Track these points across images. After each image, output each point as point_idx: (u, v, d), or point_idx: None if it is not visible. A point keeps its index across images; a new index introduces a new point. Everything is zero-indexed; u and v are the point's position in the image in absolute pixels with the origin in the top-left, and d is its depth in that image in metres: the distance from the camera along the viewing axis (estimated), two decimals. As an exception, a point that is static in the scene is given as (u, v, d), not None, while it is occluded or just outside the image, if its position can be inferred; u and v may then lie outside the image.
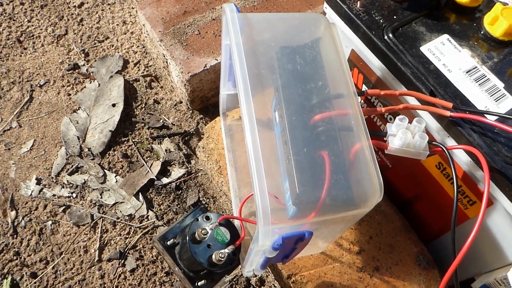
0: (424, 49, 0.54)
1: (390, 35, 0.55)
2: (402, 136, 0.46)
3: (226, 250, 0.54)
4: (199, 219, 0.57)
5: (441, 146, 0.47)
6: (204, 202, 0.81)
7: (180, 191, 0.82)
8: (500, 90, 0.52)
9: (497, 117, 0.49)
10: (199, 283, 0.56)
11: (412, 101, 0.53)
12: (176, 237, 0.58)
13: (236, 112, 0.74)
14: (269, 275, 0.73)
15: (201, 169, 0.84)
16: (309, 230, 0.43)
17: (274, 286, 0.72)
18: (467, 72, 0.53)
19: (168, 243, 0.58)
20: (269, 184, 0.42)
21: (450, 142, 0.52)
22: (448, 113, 0.48)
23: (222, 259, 0.54)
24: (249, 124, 0.42)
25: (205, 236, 0.55)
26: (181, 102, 0.91)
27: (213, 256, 0.54)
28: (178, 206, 0.81)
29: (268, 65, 0.48)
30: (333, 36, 0.51)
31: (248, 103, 0.43)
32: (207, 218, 0.57)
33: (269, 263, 0.49)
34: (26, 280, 0.74)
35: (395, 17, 0.56)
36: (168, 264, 0.48)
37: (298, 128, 0.44)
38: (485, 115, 0.49)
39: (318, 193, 0.41)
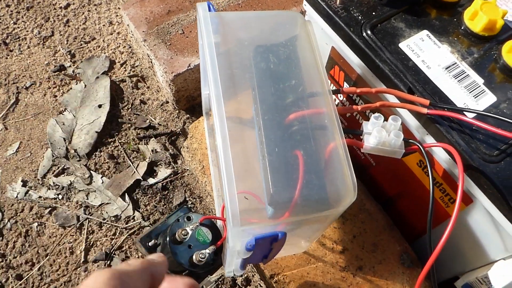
0: (403, 45, 0.54)
1: (369, 32, 0.54)
2: (377, 134, 0.45)
3: (207, 251, 0.54)
4: (180, 220, 0.56)
5: (417, 144, 0.46)
6: (190, 202, 0.81)
7: (167, 191, 0.82)
8: (479, 86, 0.52)
9: (475, 114, 0.49)
10: None
11: (392, 98, 0.53)
12: (158, 238, 0.58)
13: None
14: (255, 274, 0.72)
15: (187, 169, 0.84)
16: (284, 230, 0.42)
17: (260, 286, 0.71)
18: (446, 68, 0.52)
19: (150, 244, 0.57)
20: (251, 183, 0.42)
21: (429, 139, 0.51)
22: (425, 111, 0.48)
23: (203, 260, 0.53)
24: (219, 124, 0.42)
25: (185, 236, 0.54)
26: (167, 102, 0.90)
27: (194, 257, 0.54)
28: (165, 206, 0.80)
29: (243, 65, 0.47)
30: (309, 34, 0.50)
31: (219, 103, 0.43)
32: (188, 218, 0.57)
33: (247, 263, 0.49)
34: (11, 282, 0.74)
35: (374, 13, 0.56)
36: None
37: (272, 127, 0.43)
38: (464, 112, 0.49)
39: (291, 193, 0.41)
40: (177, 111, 0.90)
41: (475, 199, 0.50)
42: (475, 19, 0.54)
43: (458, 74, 0.52)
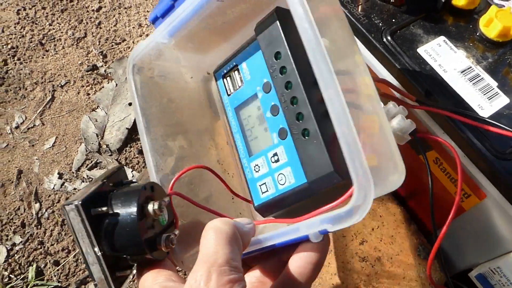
0: (421, 50, 0.58)
1: (389, 38, 0.58)
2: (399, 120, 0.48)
3: (174, 235, 0.40)
4: (147, 188, 0.39)
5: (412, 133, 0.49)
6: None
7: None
8: (493, 89, 0.55)
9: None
10: (119, 274, 0.38)
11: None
12: (110, 206, 0.38)
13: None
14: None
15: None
16: None
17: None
18: (462, 72, 0.56)
19: (93, 211, 0.36)
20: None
21: (445, 137, 0.55)
22: (409, 106, 0.52)
23: (171, 246, 0.39)
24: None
25: (160, 214, 0.38)
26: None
27: (162, 241, 0.38)
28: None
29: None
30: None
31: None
32: (152, 188, 0.40)
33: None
34: (49, 268, 0.79)
35: (393, 20, 0.60)
36: (75, 239, 0.36)
37: None
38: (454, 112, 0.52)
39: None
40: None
41: (488, 194, 0.54)
42: (490, 26, 0.58)
43: (473, 77, 0.56)
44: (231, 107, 0.49)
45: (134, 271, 0.39)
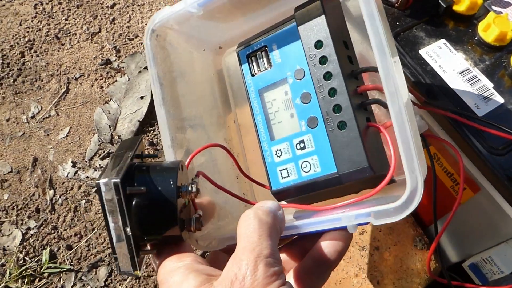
0: (423, 52, 0.61)
1: (393, 39, 0.62)
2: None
3: (200, 213, 0.40)
4: (181, 168, 0.39)
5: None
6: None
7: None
8: (489, 89, 0.59)
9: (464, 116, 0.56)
10: (142, 254, 0.37)
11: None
12: (145, 184, 0.36)
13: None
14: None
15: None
16: None
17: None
18: (460, 73, 0.60)
19: (129, 189, 0.35)
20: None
21: (442, 133, 0.59)
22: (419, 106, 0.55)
23: (200, 227, 0.39)
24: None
25: (196, 197, 0.39)
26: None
27: (192, 223, 0.38)
28: (199, 190, 0.89)
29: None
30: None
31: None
32: (181, 168, 0.39)
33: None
34: (62, 252, 0.83)
35: (397, 23, 0.63)
36: (105, 216, 0.34)
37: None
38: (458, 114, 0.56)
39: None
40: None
41: (482, 187, 0.57)
42: (488, 31, 0.62)
43: (470, 78, 0.60)
44: (255, 88, 0.48)
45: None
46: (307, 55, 0.43)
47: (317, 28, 0.42)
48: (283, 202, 0.47)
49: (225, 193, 0.45)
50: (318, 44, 0.42)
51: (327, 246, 0.35)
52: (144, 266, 0.81)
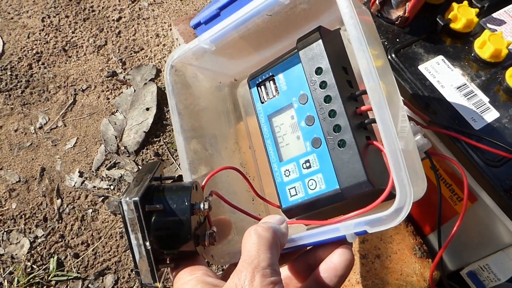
0: (422, 67, 0.64)
1: (393, 55, 0.64)
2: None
3: (214, 230, 0.43)
4: (193, 186, 0.42)
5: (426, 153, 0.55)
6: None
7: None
8: (485, 104, 0.62)
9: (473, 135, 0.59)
10: (161, 266, 0.41)
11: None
12: (163, 203, 0.40)
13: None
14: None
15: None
16: None
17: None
18: (457, 88, 0.63)
19: (147, 207, 0.39)
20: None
21: (440, 146, 0.61)
22: (424, 126, 0.57)
23: (213, 242, 0.42)
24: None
25: (209, 212, 0.42)
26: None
27: (206, 238, 0.42)
28: (203, 200, 0.91)
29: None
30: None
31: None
32: (196, 187, 0.43)
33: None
34: (69, 260, 0.84)
35: (397, 40, 0.66)
36: (127, 232, 0.38)
37: None
38: (463, 133, 0.58)
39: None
40: (216, 116, 1.01)
41: (479, 198, 0.60)
42: (484, 48, 0.65)
43: (467, 93, 0.62)
44: (264, 114, 0.52)
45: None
46: (308, 81, 0.47)
47: (317, 56, 0.46)
48: (293, 220, 0.50)
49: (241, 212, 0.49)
50: (318, 71, 0.46)
51: (327, 270, 0.38)
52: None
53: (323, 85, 0.45)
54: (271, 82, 0.51)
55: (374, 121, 0.45)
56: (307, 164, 0.47)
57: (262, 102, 0.52)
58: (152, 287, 0.39)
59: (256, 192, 0.52)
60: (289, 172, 0.49)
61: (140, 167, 0.93)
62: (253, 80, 0.53)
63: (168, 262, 0.41)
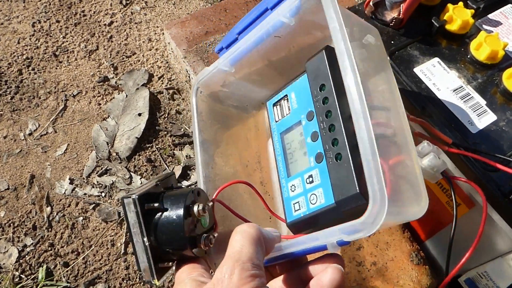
0: (417, 70, 0.63)
1: (388, 58, 0.63)
2: (432, 159, 0.52)
3: (214, 235, 0.45)
4: (193, 192, 0.45)
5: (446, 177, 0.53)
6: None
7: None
8: (482, 107, 0.60)
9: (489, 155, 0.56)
10: (161, 265, 0.43)
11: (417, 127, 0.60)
12: (160, 203, 0.43)
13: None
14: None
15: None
16: None
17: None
18: (454, 91, 0.61)
19: (146, 206, 0.42)
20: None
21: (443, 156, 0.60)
22: (445, 148, 0.55)
23: (210, 246, 0.44)
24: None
25: (203, 215, 0.43)
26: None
27: (202, 240, 0.43)
28: (196, 206, 0.89)
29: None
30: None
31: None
32: (198, 193, 0.46)
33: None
34: (59, 269, 0.82)
35: (392, 42, 0.65)
36: (128, 229, 0.41)
37: None
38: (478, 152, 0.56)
39: None
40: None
41: (476, 203, 0.58)
42: (480, 50, 0.63)
43: (464, 96, 0.61)
44: (277, 132, 0.54)
45: (174, 267, 0.43)
46: (313, 98, 0.48)
47: (321, 73, 0.47)
48: (285, 235, 0.50)
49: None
50: (322, 88, 0.47)
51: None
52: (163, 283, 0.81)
53: (325, 101, 0.46)
54: (285, 101, 0.54)
55: None
56: (310, 179, 0.47)
57: (276, 121, 0.55)
58: (151, 283, 0.41)
59: (266, 206, 0.52)
60: (295, 187, 0.50)
61: (132, 174, 0.91)
62: (270, 100, 0.56)
63: (168, 261, 0.43)
